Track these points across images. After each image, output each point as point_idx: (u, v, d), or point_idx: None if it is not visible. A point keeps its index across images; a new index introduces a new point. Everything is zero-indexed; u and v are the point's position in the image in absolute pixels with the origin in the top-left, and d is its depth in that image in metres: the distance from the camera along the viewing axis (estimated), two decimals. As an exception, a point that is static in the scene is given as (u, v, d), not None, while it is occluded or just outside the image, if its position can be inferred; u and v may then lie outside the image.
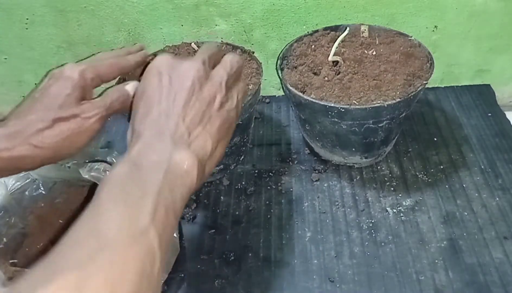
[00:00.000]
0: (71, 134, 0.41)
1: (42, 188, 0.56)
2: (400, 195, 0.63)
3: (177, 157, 0.34)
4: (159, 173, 0.33)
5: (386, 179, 0.65)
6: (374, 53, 0.63)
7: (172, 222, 0.32)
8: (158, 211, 0.30)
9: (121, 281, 0.26)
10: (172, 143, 0.35)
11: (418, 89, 0.58)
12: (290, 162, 0.70)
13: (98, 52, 0.50)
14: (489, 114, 0.75)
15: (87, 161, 0.53)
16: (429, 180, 0.65)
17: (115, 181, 0.32)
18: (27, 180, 0.55)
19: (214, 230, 0.61)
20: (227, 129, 0.40)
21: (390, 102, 0.56)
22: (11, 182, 0.55)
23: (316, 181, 0.66)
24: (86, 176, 0.52)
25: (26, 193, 0.55)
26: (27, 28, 0.77)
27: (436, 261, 0.54)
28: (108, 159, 0.53)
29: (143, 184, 0.32)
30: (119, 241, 0.27)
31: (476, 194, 0.62)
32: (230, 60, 0.42)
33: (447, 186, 0.63)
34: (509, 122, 0.73)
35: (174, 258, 0.55)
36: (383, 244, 0.57)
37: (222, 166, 0.66)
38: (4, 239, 0.53)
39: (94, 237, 0.27)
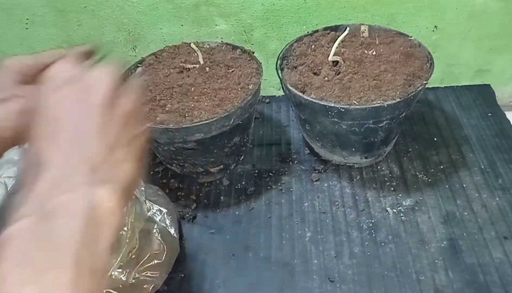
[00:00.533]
0: (14, 115, 0.35)
1: None
2: (400, 195, 0.63)
3: (99, 195, 0.27)
4: (77, 223, 0.26)
5: (386, 179, 0.65)
6: (374, 53, 0.63)
7: (100, 280, 0.26)
8: (80, 279, 0.24)
9: None
10: (91, 175, 0.28)
11: (418, 89, 0.58)
12: (290, 162, 0.70)
13: None
14: (489, 114, 0.75)
15: None
16: (429, 180, 0.64)
17: (19, 245, 0.25)
18: None
19: (214, 230, 0.61)
20: (144, 150, 0.34)
21: (390, 102, 0.56)
22: (11, 182, 0.55)
23: (316, 181, 0.66)
24: None
25: None
26: (27, 28, 0.77)
27: (436, 261, 0.54)
28: None
29: (57, 245, 0.25)
30: None
31: (476, 194, 0.62)
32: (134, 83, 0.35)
33: (447, 186, 0.63)
34: (509, 122, 0.73)
35: (174, 258, 0.55)
36: (383, 244, 0.57)
37: (222, 166, 0.66)
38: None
39: None
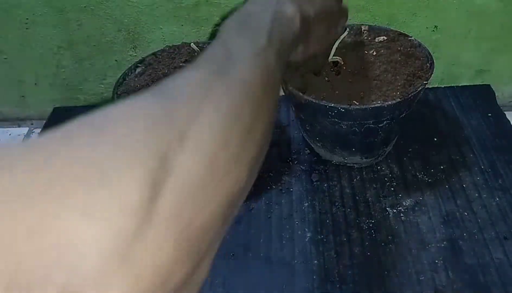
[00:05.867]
0: None
1: None
2: (400, 195, 0.63)
3: (280, 6, 0.37)
4: (266, 17, 0.35)
5: (386, 179, 0.65)
6: (374, 53, 0.63)
7: (283, 59, 0.34)
8: (273, 39, 0.33)
9: (246, 96, 0.27)
10: None
11: (418, 89, 0.58)
12: (290, 162, 0.70)
13: None
14: (489, 114, 0.75)
15: None
16: (429, 180, 0.64)
17: (232, 21, 0.35)
18: None
19: (214, 230, 0.61)
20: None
21: (390, 102, 0.56)
22: None
23: (316, 181, 0.66)
24: None
25: None
26: (27, 28, 0.77)
27: (436, 261, 0.54)
28: None
29: (256, 23, 0.34)
30: (243, 55, 0.30)
31: (476, 194, 0.62)
32: None
33: (447, 186, 0.63)
34: (509, 122, 0.73)
35: None
36: (383, 244, 0.57)
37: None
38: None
39: (222, 50, 0.30)
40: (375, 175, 0.66)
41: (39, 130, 0.83)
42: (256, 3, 0.38)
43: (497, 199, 0.61)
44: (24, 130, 0.87)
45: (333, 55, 0.61)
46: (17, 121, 0.91)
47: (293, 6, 0.39)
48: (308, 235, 0.59)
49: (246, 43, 0.31)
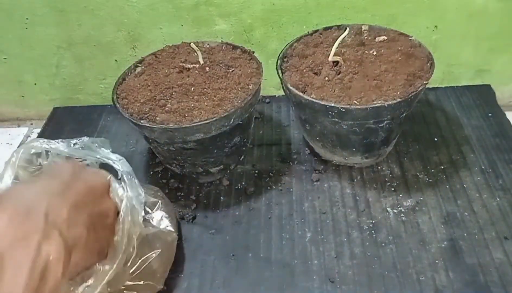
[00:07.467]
0: None
1: None
2: (400, 195, 0.63)
3: (47, 246, 0.32)
4: (23, 275, 0.30)
5: (386, 179, 0.65)
6: (374, 53, 0.63)
7: None
8: None
9: None
10: (45, 225, 0.33)
11: (419, 89, 0.57)
12: (290, 162, 0.70)
13: None
14: (490, 114, 0.75)
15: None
16: (430, 180, 0.64)
17: None
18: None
19: (214, 230, 0.61)
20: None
21: (390, 102, 0.56)
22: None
23: (316, 181, 0.66)
24: None
25: None
26: (27, 28, 0.77)
27: (437, 261, 0.54)
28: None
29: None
30: None
31: (477, 195, 0.62)
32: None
33: (447, 186, 0.63)
34: (509, 122, 0.73)
35: (170, 266, 0.54)
36: (383, 244, 0.57)
37: (222, 166, 0.66)
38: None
39: None
40: (375, 175, 0.66)
41: (38, 130, 0.83)
42: (16, 235, 0.31)
43: (498, 199, 0.61)
44: (24, 130, 0.87)
45: (333, 55, 0.61)
46: (17, 121, 0.91)
47: (58, 246, 0.32)
48: (308, 235, 0.59)
49: None
